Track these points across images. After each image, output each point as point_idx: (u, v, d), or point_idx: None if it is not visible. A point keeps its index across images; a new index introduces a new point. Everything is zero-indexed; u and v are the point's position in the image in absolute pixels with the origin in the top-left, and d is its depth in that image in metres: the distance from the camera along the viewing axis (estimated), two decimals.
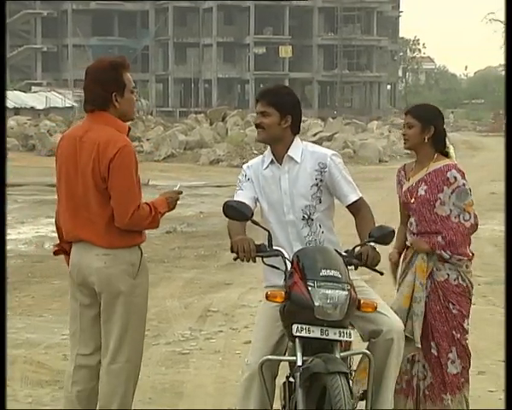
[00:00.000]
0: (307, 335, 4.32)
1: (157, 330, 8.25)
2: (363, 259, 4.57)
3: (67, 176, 4.75)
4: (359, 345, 4.87)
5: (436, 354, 5.30)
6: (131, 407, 4.86)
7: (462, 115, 79.83)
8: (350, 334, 4.37)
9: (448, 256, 5.26)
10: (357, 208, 4.83)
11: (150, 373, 6.86)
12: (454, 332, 5.31)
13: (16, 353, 7.33)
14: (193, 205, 19.49)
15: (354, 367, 4.92)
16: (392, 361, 4.71)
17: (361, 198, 4.84)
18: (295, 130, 4.86)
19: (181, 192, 4.92)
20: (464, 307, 5.34)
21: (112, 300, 4.72)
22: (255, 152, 32.94)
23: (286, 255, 4.56)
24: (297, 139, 4.87)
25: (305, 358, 4.33)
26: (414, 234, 5.38)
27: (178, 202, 4.92)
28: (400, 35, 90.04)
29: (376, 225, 4.71)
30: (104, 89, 4.70)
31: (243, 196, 4.84)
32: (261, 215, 4.92)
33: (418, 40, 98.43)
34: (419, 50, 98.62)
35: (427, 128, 5.32)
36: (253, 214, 4.62)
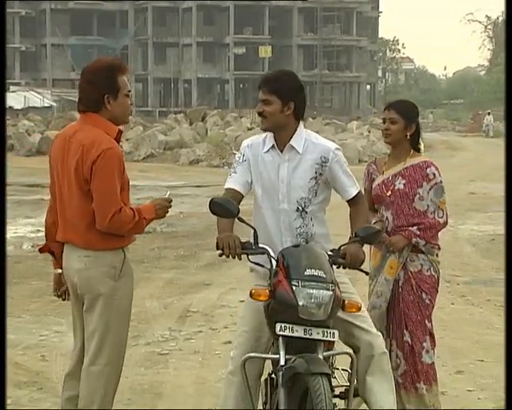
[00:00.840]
0: (290, 334, 4.31)
1: (136, 331, 8.22)
2: (347, 258, 4.58)
3: (57, 176, 4.76)
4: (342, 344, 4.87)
5: (410, 341, 5.36)
6: (112, 408, 4.84)
7: (441, 115, 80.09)
8: (333, 334, 4.37)
9: (423, 243, 5.35)
10: (355, 202, 4.84)
11: (129, 374, 6.83)
12: (426, 321, 5.40)
13: None
14: (173, 205, 19.41)
15: (336, 365, 4.92)
16: (376, 378, 4.69)
17: (360, 192, 4.86)
18: (299, 116, 4.77)
19: (171, 200, 4.89)
20: (434, 298, 5.47)
21: (92, 301, 4.71)
22: (235, 152, 32.94)
23: (271, 254, 4.54)
24: (301, 127, 4.78)
25: (288, 357, 4.33)
26: (388, 232, 5.40)
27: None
28: (380, 35, 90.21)
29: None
30: (97, 90, 4.66)
31: (236, 180, 4.78)
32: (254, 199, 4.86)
33: (397, 40, 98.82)
34: (398, 51, 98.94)
35: (410, 125, 5.41)
36: (239, 212, 4.57)
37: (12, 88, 66.20)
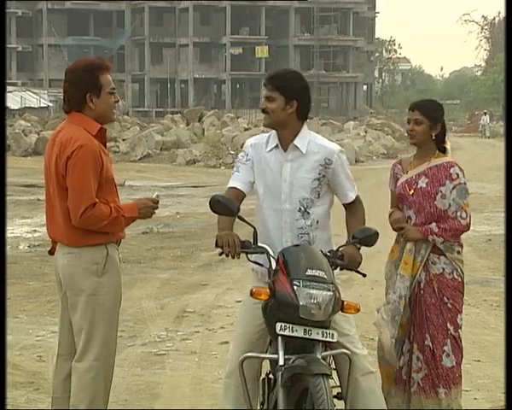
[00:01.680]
0: (290, 334, 4.31)
1: (133, 331, 8.22)
2: (344, 260, 4.59)
3: (46, 175, 4.82)
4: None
5: (431, 345, 5.31)
6: (105, 407, 4.83)
7: None
8: (333, 335, 4.37)
9: (441, 241, 5.26)
10: (352, 205, 4.84)
11: (126, 374, 6.83)
12: (448, 325, 5.33)
13: None
14: (169, 205, 19.43)
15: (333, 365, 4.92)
16: (366, 398, 4.69)
17: (358, 196, 4.86)
18: (302, 116, 4.76)
19: (157, 201, 4.89)
20: (458, 301, 5.36)
21: (75, 298, 4.73)
22: (232, 152, 32.93)
23: (271, 253, 4.53)
24: (305, 128, 4.77)
25: (286, 357, 4.33)
26: None
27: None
28: (376, 36, 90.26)
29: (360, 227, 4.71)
30: (78, 90, 4.71)
31: (239, 180, 4.78)
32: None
33: (394, 41, 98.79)
34: (395, 51, 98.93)
35: (435, 126, 5.36)
36: (239, 210, 4.57)
37: (9, 88, 66.08)
